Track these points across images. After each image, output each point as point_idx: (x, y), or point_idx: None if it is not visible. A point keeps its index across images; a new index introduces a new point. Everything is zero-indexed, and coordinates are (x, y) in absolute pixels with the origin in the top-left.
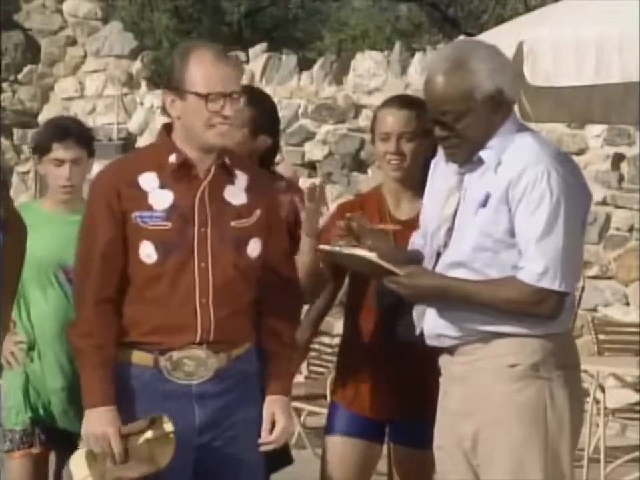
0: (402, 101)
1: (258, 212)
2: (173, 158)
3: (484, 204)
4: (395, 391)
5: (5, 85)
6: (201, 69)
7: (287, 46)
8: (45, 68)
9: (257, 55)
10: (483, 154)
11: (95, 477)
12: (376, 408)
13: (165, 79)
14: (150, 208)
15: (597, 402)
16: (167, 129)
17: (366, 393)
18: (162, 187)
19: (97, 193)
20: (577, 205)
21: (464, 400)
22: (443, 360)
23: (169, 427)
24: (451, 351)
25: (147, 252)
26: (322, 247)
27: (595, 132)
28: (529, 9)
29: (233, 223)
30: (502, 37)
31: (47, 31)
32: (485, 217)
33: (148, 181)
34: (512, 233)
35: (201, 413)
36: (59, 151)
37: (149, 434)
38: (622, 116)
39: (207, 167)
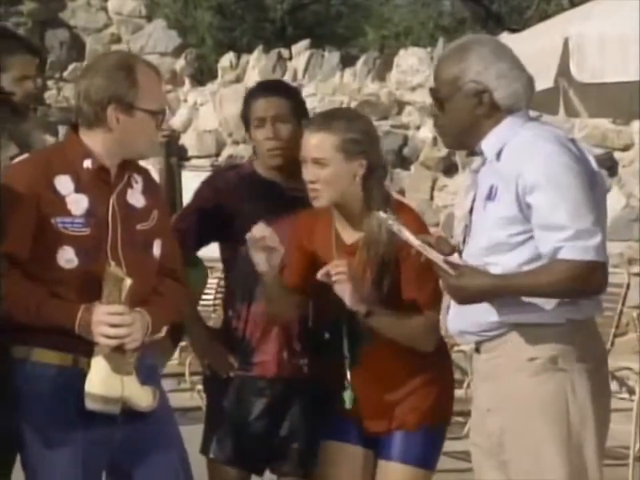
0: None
1: (156, 213)
2: (88, 163)
3: (490, 197)
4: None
5: (50, 83)
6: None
7: (330, 42)
8: None
9: (300, 52)
10: (483, 144)
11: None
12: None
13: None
14: (69, 213)
15: None
16: (75, 129)
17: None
18: (77, 191)
19: (14, 191)
20: (586, 185)
21: (489, 396)
22: (474, 358)
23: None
24: (478, 348)
25: (68, 257)
26: (380, 214)
27: None
28: (573, 4)
29: (138, 227)
30: (547, 33)
31: (91, 28)
32: (494, 210)
33: (63, 184)
34: (523, 223)
35: (123, 417)
36: None
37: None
38: None
39: (115, 172)
